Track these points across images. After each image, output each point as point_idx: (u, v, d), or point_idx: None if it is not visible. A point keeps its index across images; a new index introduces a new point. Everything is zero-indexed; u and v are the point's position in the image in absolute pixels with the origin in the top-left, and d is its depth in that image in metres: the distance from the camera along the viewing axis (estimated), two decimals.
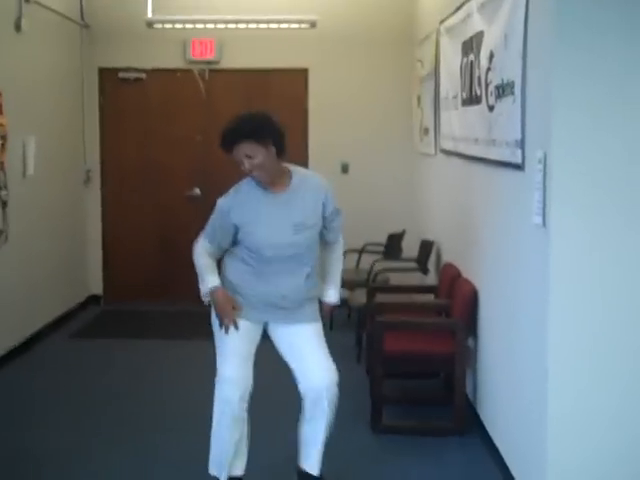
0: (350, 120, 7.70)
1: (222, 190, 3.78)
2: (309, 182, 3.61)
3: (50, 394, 5.27)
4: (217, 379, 3.61)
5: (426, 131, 6.61)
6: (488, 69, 4.19)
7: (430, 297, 5.68)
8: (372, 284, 6.17)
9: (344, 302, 4.16)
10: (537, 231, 3.38)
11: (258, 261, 3.56)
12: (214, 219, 3.63)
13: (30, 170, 6.24)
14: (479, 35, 4.40)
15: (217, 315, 3.59)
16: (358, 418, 4.56)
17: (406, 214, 7.41)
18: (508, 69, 3.80)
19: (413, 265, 6.38)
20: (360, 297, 5.95)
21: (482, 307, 4.56)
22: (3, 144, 5.68)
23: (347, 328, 6.43)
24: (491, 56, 4.13)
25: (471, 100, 4.66)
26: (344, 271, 3.97)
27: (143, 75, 7.74)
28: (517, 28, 3.63)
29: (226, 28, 7.35)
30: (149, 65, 7.71)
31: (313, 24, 7.19)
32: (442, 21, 5.66)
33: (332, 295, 3.81)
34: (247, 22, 7.26)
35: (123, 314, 7.57)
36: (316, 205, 3.58)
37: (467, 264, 4.96)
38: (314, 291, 3.71)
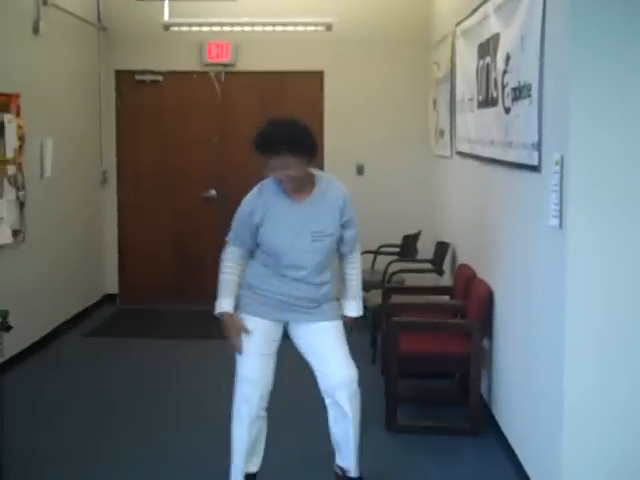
0: (365, 122, 7.73)
1: (238, 191, 3.81)
2: (331, 190, 3.62)
3: (65, 391, 5.32)
4: (237, 378, 3.63)
5: (442, 133, 6.62)
6: (504, 71, 4.20)
7: (445, 298, 5.69)
8: (387, 285, 6.18)
9: (366, 312, 4.16)
10: (553, 233, 3.39)
11: (276, 265, 3.59)
12: (237, 219, 3.65)
13: (47, 171, 6.30)
14: (495, 37, 4.41)
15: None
16: (373, 418, 4.58)
17: (421, 216, 7.43)
18: (525, 71, 3.81)
19: (428, 266, 6.39)
20: (375, 298, 5.97)
21: (498, 308, 4.57)
22: (21, 146, 5.73)
23: (362, 329, 6.41)
24: (507, 58, 4.14)
25: (487, 102, 4.67)
26: None
27: (160, 77, 7.80)
28: (534, 30, 3.64)
29: (242, 31, 7.39)
30: (166, 68, 7.77)
31: (329, 27, 7.22)
32: (458, 23, 5.67)
33: (353, 308, 3.81)
34: (263, 25, 7.29)
35: (138, 313, 7.62)
36: (334, 213, 3.59)
37: (483, 265, 4.97)
38: (331, 294, 3.71)
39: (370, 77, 7.69)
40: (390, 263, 6.56)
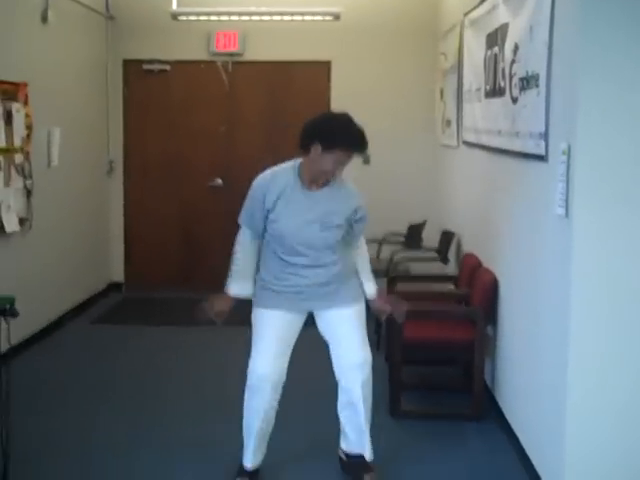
0: (372, 112, 7.67)
1: (244, 180, 3.83)
2: (345, 187, 3.69)
3: (70, 378, 5.36)
4: (249, 370, 3.66)
5: (448, 123, 6.64)
6: (512, 61, 4.22)
7: (450, 286, 5.72)
8: (392, 273, 6.21)
9: None
10: (559, 222, 3.41)
11: (287, 255, 3.61)
12: (248, 201, 3.69)
13: (55, 160, 6.33)
14: (504, 27, 4.42)
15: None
16: (377, 403, 4.57)
17: (427, 205, 7.44)
18: (533, 61, 3.83)
19: (433, 255, 6.42)
20: (380, 286, 5.97)
21: (502, 296, 4.60)
22: (29, 134, 5.76)
23: (367, 316, 6.47)
24: (516, 48, 4.15)
25: (494, 92, 4.69)
26: None
27: (167, 67, 7.80)
28: (543, 20, 3.65)
29: (250, 20, 7.40)
30: (173, 57, 7.78)
31: (337, 16, 7.22)
32: (466, 13, 5.68)
33: (370, 288, 3.85)
34: (271, 14, 7.29)
35: (144, 301, 7.66)
36: (346, 209, 3.63)
37: (488, 254, 5.00)
38: (345, 273, 3.73)
39: (377, 67, 7.70)
40: (395, 252, 6.59)
